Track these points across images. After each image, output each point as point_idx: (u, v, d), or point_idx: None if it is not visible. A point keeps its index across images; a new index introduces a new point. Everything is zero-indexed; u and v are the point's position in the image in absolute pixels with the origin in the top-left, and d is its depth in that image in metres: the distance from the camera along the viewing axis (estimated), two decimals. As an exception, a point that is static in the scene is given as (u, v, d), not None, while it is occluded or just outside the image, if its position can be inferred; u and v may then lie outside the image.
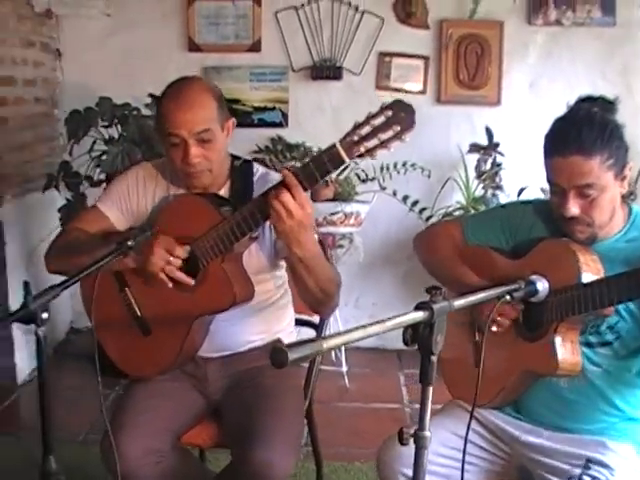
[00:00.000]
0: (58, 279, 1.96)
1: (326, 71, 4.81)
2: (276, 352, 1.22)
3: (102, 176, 4.35)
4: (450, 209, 4.67)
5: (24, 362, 4.53)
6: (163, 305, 2.42)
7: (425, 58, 4.82)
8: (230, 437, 2.43)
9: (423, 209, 4.64)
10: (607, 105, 2.15)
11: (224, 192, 2.51)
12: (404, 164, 4.58)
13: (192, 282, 2.35)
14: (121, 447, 2.24)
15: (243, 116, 4.82)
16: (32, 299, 1.70)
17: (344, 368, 4.49)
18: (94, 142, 4.44)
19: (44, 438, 1.82)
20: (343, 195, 4.35)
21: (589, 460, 2.11)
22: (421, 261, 2.53)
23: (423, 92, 4.85)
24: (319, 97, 4.87)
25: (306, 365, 2.80)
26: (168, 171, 2.54)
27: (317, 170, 2.09)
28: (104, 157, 4.28)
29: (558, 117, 2.14)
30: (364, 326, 1.37)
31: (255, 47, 4.86)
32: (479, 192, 4.68)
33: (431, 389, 1.61)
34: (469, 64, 4.79)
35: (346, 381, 4.47)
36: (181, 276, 2.33)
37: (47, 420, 1.82)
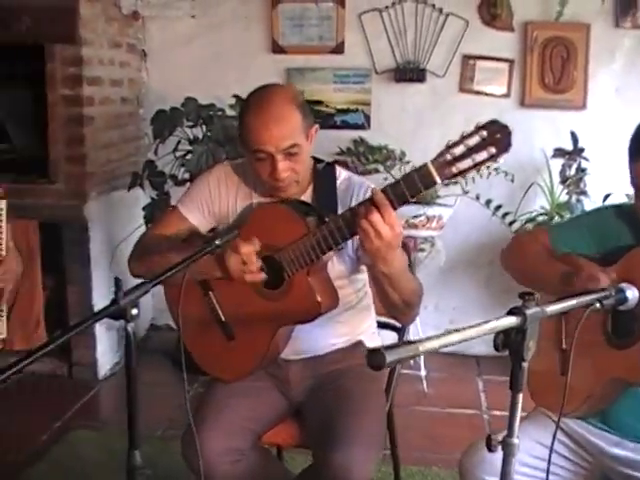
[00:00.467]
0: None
1: (409, 73, 4.78)
2: (373, 354, 1.21)
3: (186, 175, 4.40)
4: (533, 214, 4.60)
5: (105, 357, 4.62)
6: (247, 311, 2.43)
7: (510, 61, 4.75)
8: (311, 438, 2.43)
9: (506, 214, 4.58)
10: None
11: (307, 197, 2.48)
12: (487, 168, 4.51)
13: (263, 276, 2.33)
14: (202, 444, 2.25)
15: (326, 118, 4.83)
16: (122, 295, 1.72)
17: (423, 372, 4.47)
18: (179, 142, 4.49)
19: (130, 433, 1.83)
20: (426, 198, 4.31)
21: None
22: (512, 270, 2.47)
23: (507, 95, 4.78)
24: (402, 99, 4.84)
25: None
26: (251, 178, 2.52)
27: (408, 190, 2.02)
28: (188, 157, 4.33)
29: None
30: (457, 330, 1.35)
31: (338, 49, 4.86)
32: (563, 197, 4.60)
33: (521, 396, 1.58)
34: (554, 67, 4.70)
35: (424, 385, 4.44)
36: (255, 277, 2.33)
37: (133, 416, 1.83)
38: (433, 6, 4.73)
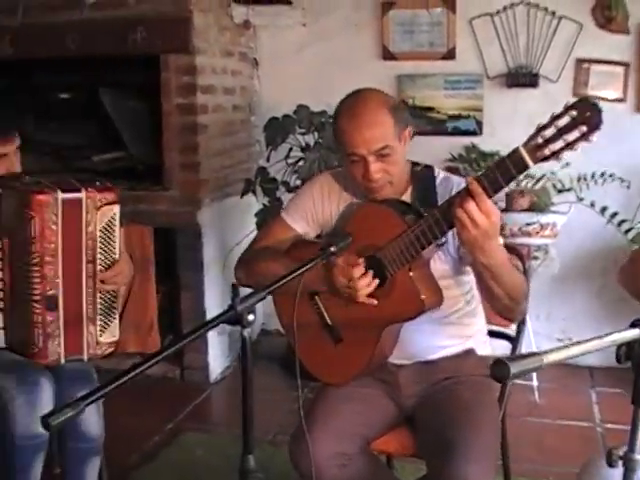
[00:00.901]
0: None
1: (522, 78, 4.71)
2: (498, 366, 1.19)
3: (298, 182, 4.44)
4: (651, 222, 4.48)
5: (216, 361, 4.69)
6: (352, 314, 2.44)
7: (625, 64, 4.63)
8: (426, 449, 2.40)
9: (622, 221, 4.44)
10: None
11: (406, 197, 2.49)
12: (602, 174, 4.43)
13: (375, 302, 2.36)
14: (311, 447, 2.27)
15: (437, 124, 4.79)
16: (239, 301, 1.74)
17: (534, 382, 4.38)
18: (290, 149, 4.54)
19: (245, 438, 1.85)
20: (539, 205, 4.25)
21: None
22: (631, 290, 2.41)
23: (622, 100, 4.66)
24: (514, 105, 4.77)
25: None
26: (350, 184, 2.55)
27: (501, 176, 2.02)
28: (300, 163, 4.37)
29: None
30: (579, 342, 1.32)
31: (450, 55, 4.82)
32: (683, 205, 4.46)
33: (644, 410, 1.53)
34: (672, 71, 4.58)
35: (536, 396, 4.35)
36: (364, 297, 2.36)
37: (248, 420, 1.85)
38: (545, 9, 4.65)
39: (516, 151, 1.98)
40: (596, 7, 4.61)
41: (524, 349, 2.80)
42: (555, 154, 1.95)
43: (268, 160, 4.62)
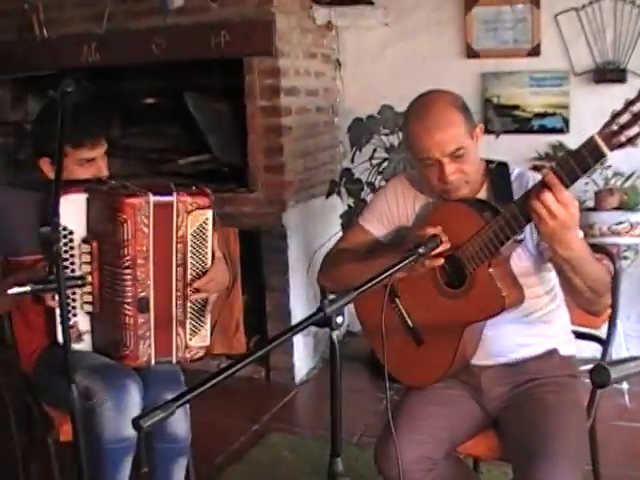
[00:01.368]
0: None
1: (609, 74, 4.60)
2: (598, 371, 1.17)
3: (383, 183, 4.42)
4: None
5: (302, 362, 4.71)
6: (433, 314, 2.44)
7: None
8: (512, 453, 2.37)
9: None
10: None
11: (482, 195, 2.47)
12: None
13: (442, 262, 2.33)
14: (397, 452, 2.25)
15: (522, 122, 4.71)
16: (328, 303, 1.74)
17: (625, 386, 4.28)
18: (375, 150, 4.53)
19: (333, 440, 1.85)
20: (629, 204, 4.17)
21: None
22: None
23: None
24: (602, 101, 4.64)
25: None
26: (425, 186, 2.53)
27: (578, 165, 1.98)
28: (385, 164, 4.36)
29: None
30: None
31: (534, 51, 4.73)
32: None
33: None
34: None
35: (626, 399, 4.25)
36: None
37: (336, 423, 1.85)
38: (632, 2, 4.53)
39: (591, 139, 1.95)
40: (686, -1, 4.50)
41: (614, 351, 2.74)
42: (631, 140, 1.92)
43: (352, 161, 4.63)
